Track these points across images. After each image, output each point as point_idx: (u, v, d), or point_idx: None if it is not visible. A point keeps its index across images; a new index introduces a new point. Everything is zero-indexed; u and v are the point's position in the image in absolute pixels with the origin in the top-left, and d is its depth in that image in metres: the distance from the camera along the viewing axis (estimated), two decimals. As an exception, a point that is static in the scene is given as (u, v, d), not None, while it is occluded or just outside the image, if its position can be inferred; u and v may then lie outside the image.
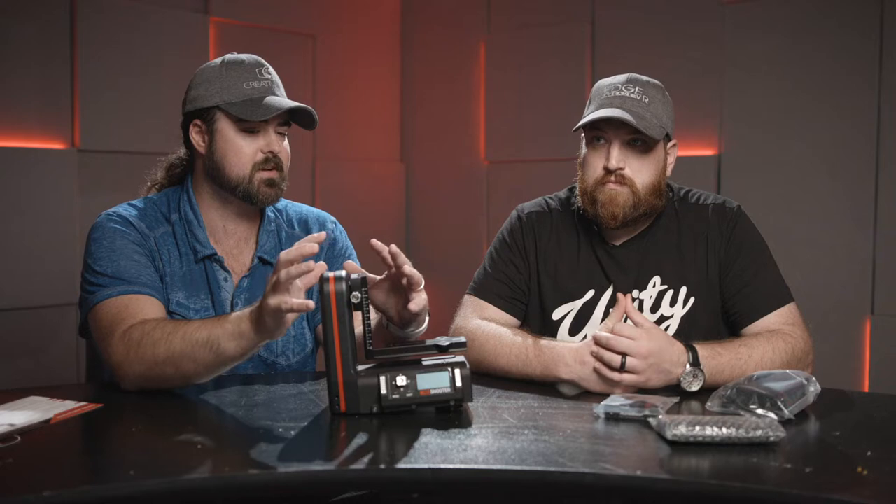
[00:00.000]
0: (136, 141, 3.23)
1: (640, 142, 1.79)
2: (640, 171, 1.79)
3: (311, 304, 1.41)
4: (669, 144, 1.86)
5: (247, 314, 1.50)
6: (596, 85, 1.87)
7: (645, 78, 1.85)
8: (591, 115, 1.79)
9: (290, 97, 1.79)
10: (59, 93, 3.10)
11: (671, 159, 1.87)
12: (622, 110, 1.76)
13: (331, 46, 4.07)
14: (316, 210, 1.98)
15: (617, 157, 1.78)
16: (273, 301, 1.42)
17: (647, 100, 1.79)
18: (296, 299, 1.41)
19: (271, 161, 1.76)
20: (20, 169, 3.00)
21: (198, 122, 1.78)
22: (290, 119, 1.80)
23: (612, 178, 1.78)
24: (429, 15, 4.40)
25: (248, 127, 1.74)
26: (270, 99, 1.74)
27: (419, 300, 1.57)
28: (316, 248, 1.44)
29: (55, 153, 3.09)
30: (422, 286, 1.59)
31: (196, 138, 1.78)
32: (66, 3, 3.10)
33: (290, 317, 1.44)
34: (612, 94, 1.81)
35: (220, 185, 1.77)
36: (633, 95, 1.79)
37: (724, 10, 3.42)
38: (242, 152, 1.74)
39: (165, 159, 1.91)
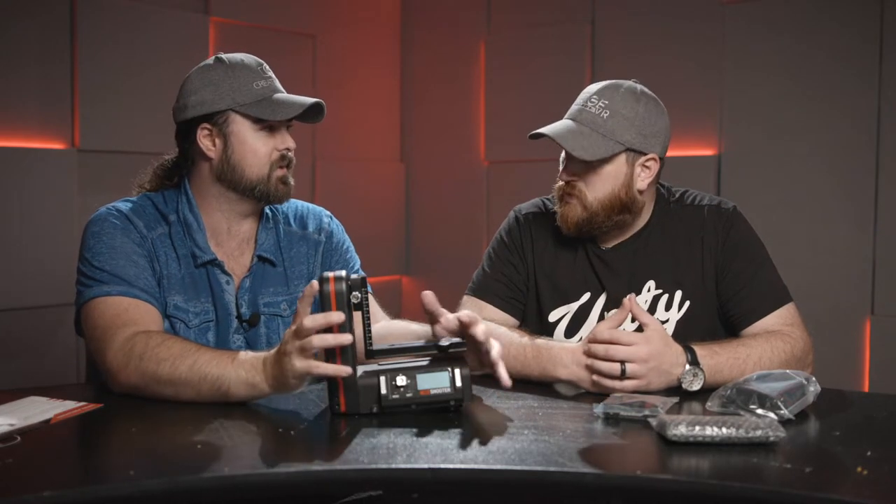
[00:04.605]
0: (136, 141, 3.22)
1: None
2: (593, 186, 1.78)
3: (349, 369, 1.40)
4: (644, 159, 1.79)
5: (263, 366, 1.47)
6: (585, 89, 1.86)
7: (626, 86, 1.80)
8: (535, 130, 1.80)
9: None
10: (59, 93, 3.10)
11: (646, 174, 1.80)
12: (576, 122, 1.78)
13: (331, 46, 4.07)
14: (312, 206, 1.98)
15: (566, 170, 1.82)
16: (301, 366, 1.40)
17: (606, 114, 1.76)
18: (331, 366, 1.40)
19: (287, 158, 1.78)
20: (20, 169, 3.00)
21: (207, 126, 1.75)
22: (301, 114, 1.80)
23: (566, 188, 1.81)
24: (429, 15, 4.40)
25: (267, 126, 1.75)
26: (282, 96, 1.75)
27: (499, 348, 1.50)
28: (342, 317, 1.41)
29: (55, 153, 3.09)
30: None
31: (205, 143, 1.76)
32: (66, 3, 3.10)
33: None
34: (577, 104, 1.82)
35: (235, 187, 1.76)
36: (593, 109, 1.78)
37: (724, 10, 3.42)
38: (260, 152, 1.75)
39: (158, 162, 1.86)
